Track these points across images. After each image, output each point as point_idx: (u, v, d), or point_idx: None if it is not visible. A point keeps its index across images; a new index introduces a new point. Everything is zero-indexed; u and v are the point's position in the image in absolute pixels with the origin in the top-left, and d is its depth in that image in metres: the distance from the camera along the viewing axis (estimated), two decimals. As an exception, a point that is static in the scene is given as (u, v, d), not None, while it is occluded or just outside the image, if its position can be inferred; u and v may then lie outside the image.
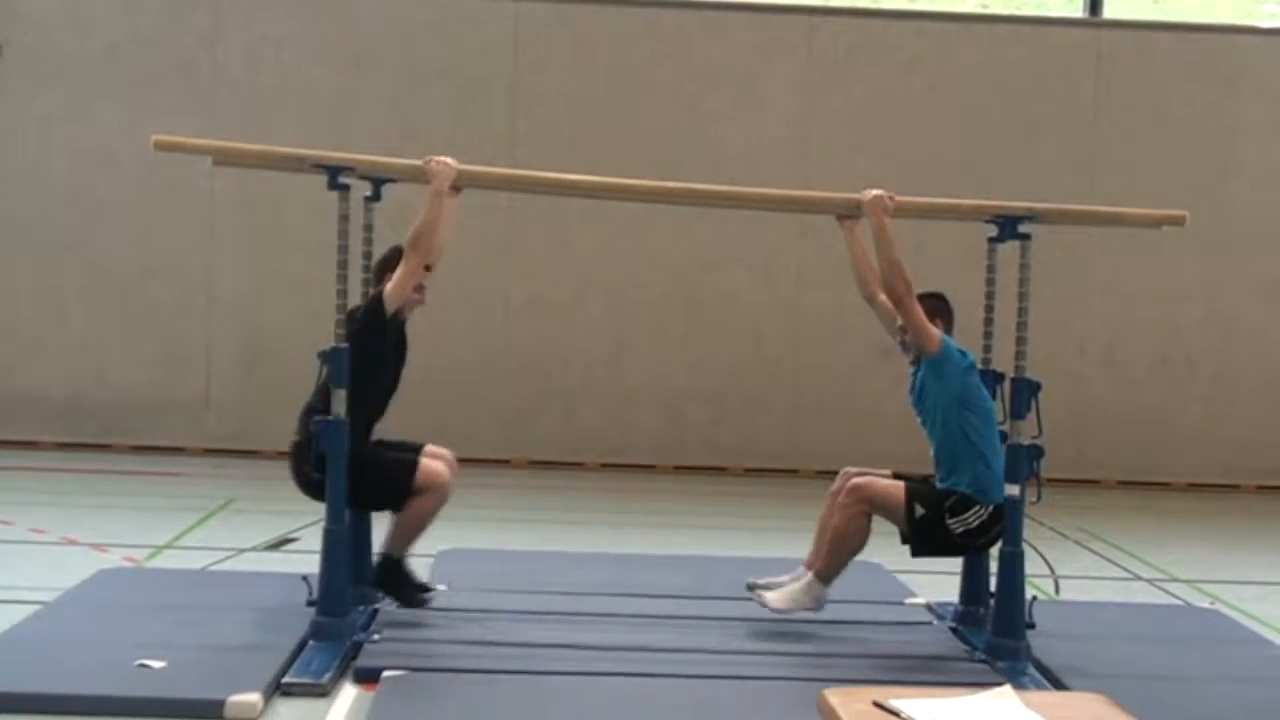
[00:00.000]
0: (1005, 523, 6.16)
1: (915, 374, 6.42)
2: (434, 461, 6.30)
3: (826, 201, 6.82)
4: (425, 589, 6.41)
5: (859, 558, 8.13)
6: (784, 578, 6.45)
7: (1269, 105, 12.15)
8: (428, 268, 6.26)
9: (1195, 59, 12.13)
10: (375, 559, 6.38)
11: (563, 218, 11.53)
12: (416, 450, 6.36)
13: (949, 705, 3.72)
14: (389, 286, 6.17)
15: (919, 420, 6.45)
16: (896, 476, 6.43)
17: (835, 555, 6.31)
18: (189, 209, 11.74)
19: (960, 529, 6.19)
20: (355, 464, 6.04)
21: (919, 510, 6.20)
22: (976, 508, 6.18)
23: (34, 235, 11.76)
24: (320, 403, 6.10)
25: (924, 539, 6.28)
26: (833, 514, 6.35)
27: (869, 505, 6.25)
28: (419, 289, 6.27)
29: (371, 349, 6.13)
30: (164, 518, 8.94)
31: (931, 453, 6.38)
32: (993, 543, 6.30)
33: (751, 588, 6.45)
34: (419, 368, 11.43)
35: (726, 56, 12.03)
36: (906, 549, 6.45)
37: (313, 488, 6.17)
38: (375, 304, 6.19)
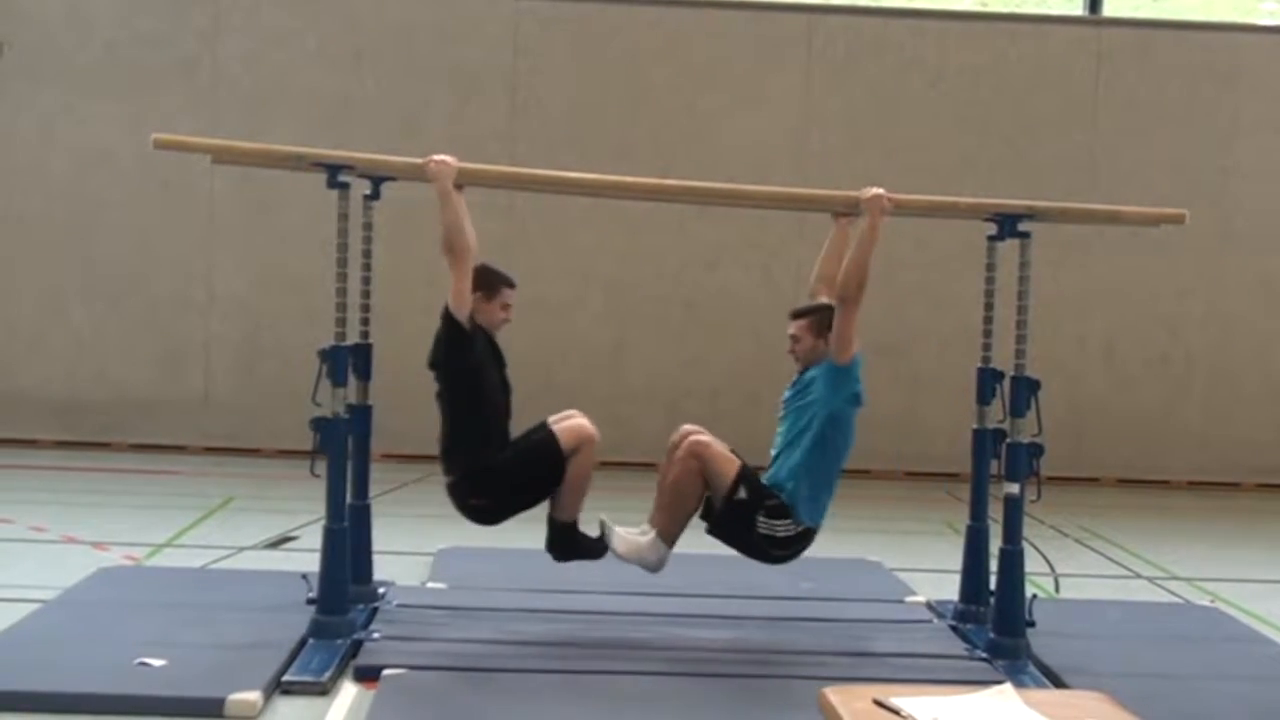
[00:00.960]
0: (805, 546, 6.09)
1: (802, 373, 6.28)
2: (568, 421, 6.20)
3: (826, 199, 6.82)
4: (600, 541, 6.26)
5: (858, 556, 8.16)
6: (635, 530, 6.27)
7: (1268, 104, 12.15)
8: (509, 285, 6.24)
9: (1195, 57, 12.13)
10: (548, 529, 6.25)
11: (562, 216, 11.53)
12: (541, 429, 6.23)
13: (949, 703, 3.73)
14: (449, 300, 6.04)
15: (779, 415, 6.29)
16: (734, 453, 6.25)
17: (674, 514, 6.14)
18: (189, 207, 11.74)
19: (765, 531, 6.05)
20: (508, 469, 6.02)
21: (741, 493, 6.04)
22: (789, 521, 6.05)
23: (34, 234, 11.76)
24: (453, 439, 6.06)
25: (728, 522, 6.09)
26: (669, 467, 6.17)
27: (702, 462, 6.07)
28: (506, 307, 6.25)
29: (464, 364, 6.04)
30: (163, 516, 8.93)
31: (773, 450, 6.25)
32: (786, 559, 6.18)
33: (605, 526, 6.27)
34: (419, 367, 11.51)
35: (726, 55, 12.03)
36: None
37: (481, 514, 6.13)
38: (445, 320, 6.06)
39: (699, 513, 6.21)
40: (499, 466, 6.03)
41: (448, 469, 6.10)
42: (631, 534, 6.24)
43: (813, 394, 6.13)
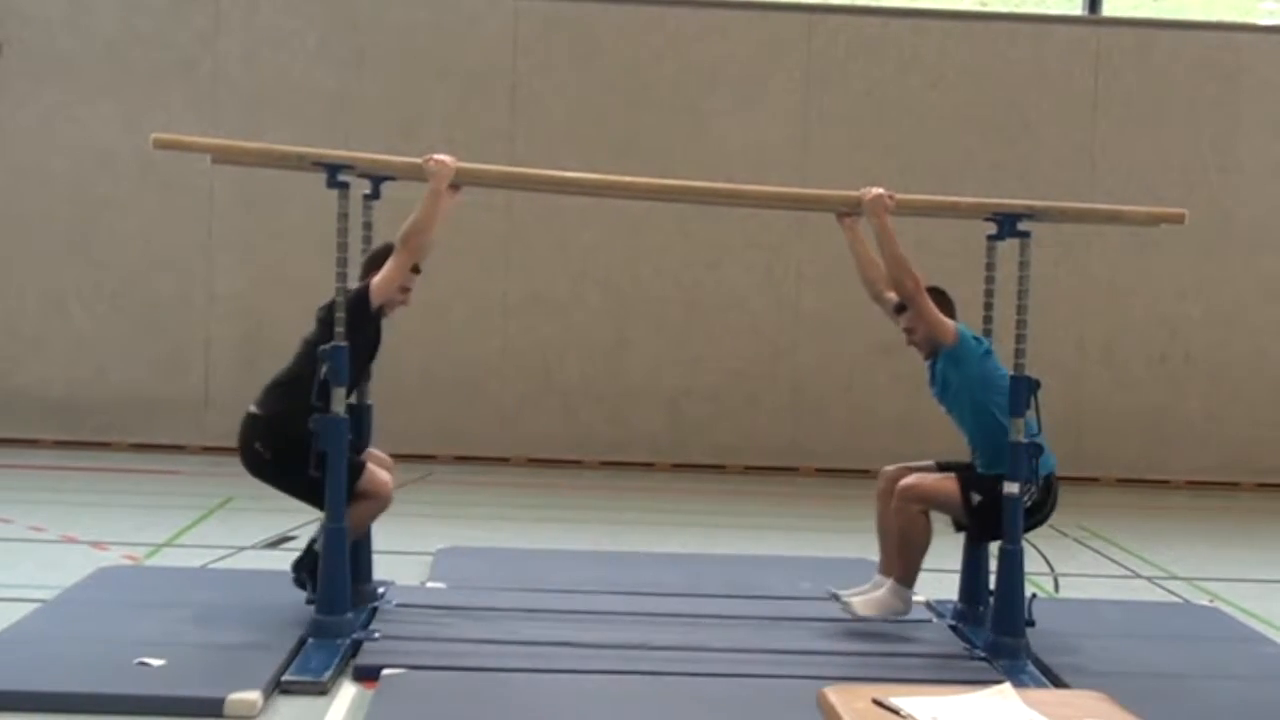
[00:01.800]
0: (1054, 493, 6.24)
1: (932, 367, 6.41)
2: (382, 471, 6.25)
3: (826, 199, 6.83)
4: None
5: (857, 556, 8.17)
6: (865, 586, 6.43)
7: (1268, 103, 12.15)
8: (415, 270, 6.25)
9: (1194, 57, 12.13)
10: (304, 551, 6.31)
11: (562, 216, 11.54)
12: (358, 453, 6.25)
13: (949, 703, 3.72)
14: (376, 280, 6.14)
15: (945, 411, 6.44)
16: (939, 467, 6.42)
17: (908, 557, 6.31)
18: (188, 207, 11.75)
19: (1027, 503, 6.16)
20: (296, 446, 5.96)
21: (975, 498, 6.20)
22: (1028, 485, 6.15)
23: (33, 233, 11.76)
24: (291, 386, 6.09)
25: (984, 524, 6.25)
26: (889, 520, 6.32)
27: (923, 503, 6.24)
28: (404, 290, 6.26)
29: (353, 339, 6.03)
30: (163, 516, 8.93)
31: (967, 442, 6.40)
32: (1048, 516, 6.33)
33: (834, 596, 6.42)
34: (418, 366, 11.58)
35: (726, 54, 12.03)
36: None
37: (252, 459, 6.14)
38: (361, 297, 6.11)
39: (955, 530, 6.44)
40: (304, 443, 5.95)
41: (265, 404, 6.15)
42: (866, 593, 6.38)
43: (952, 386, 6.30)
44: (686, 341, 12.01)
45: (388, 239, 6.31)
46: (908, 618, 6.77)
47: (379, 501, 6.24)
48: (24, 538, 8.11)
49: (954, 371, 6.28)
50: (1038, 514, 6.29)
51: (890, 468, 6.49)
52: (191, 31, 11.81)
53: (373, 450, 6.40)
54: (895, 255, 6.16)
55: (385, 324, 6.46)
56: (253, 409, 6.20)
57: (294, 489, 6.22)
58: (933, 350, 6.35)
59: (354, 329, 6.06)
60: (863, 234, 6.45)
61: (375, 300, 6.15)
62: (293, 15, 11.85)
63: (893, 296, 6.39)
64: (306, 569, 6.26)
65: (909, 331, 6.34)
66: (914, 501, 6.23)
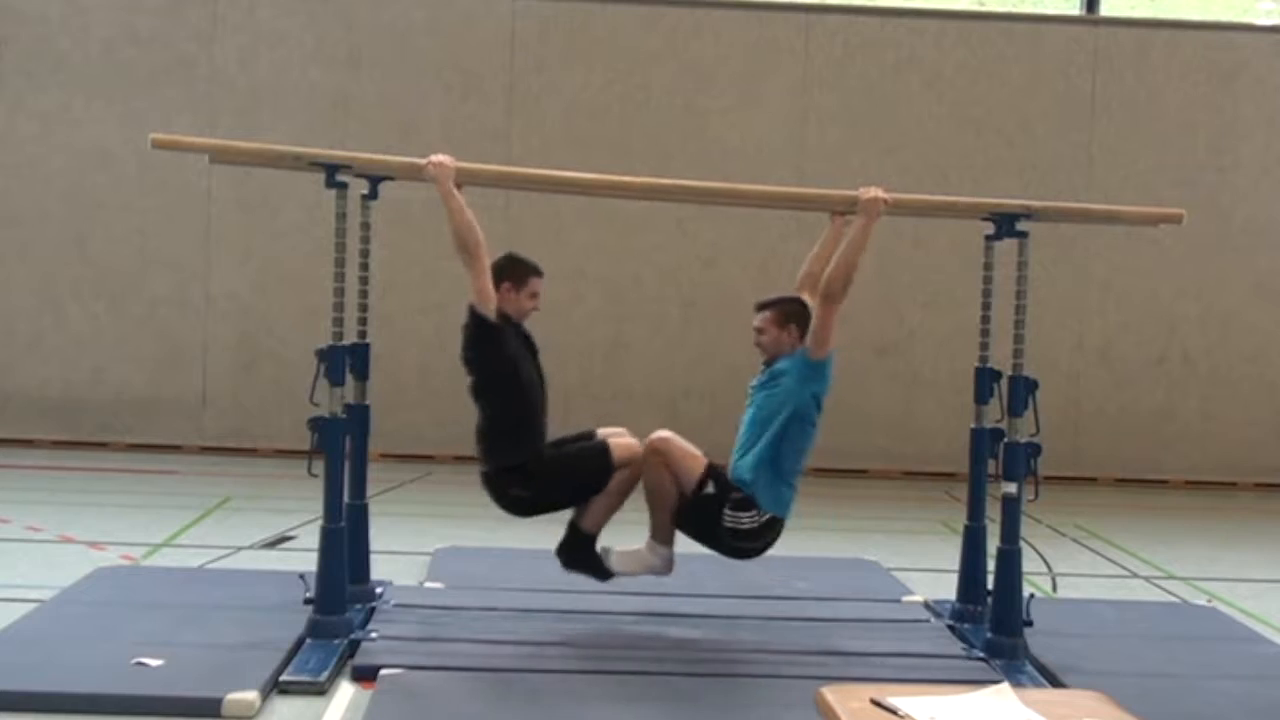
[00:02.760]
0: (772, 538, 6.12)
1: (771, 364, 6.29)
2: (624, 438, 6.20)
3: (823, 198, 6.82)
4: (607, 568, 6.24)
5: (855, 555, 8.17)
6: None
7: (1266, 103, 12.16)
8: (538, 274, 6.22)
9: (1192, 57, 12.14)
10: (567, 533, 6.26)
11: (559, 215, 11.53)
12: (592, 436, 6.27)
13: (947, 703, 3.72)
14: (471, 296, 6.07)
15: (747, 403, 6.30)
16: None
17: (658, 512, 6.18)
18: (186, 207, 11.74)
19: (730, 524, 6.07)
20: (556, 466, 6.05)
21: (709, 487, 6.08)
22: (754, 511, 6.07)
23: (31, 233, 11.76)
24: (494, 431, 6.10)
25: (694, 517, 6.12)
26: (644, 471, 6.18)
27: (667, 458, 6.10)
28: (534, 296, 6.25)
29: (495, 356, 6.07)
30: (161, 516, 8.93)
31: (737, 443, 6.26)
32: (754, 553, 6.21)
33: (605, 551, 6.28)
34: (417, 366, 11.58)
35: (723, 54, 12.03)
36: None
37: (519, 505, 6.17)
38: (471, 316, 6.09)
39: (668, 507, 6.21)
40: (547, 462, 6.06)
41: (487, 459, 6.12)
42: (628, 548, 6.27)
43: (781, 385, 6.15)
44: (684, 341, 12.01)
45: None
46: (906, 618, 6.78)
47: (638, 464, 6.13)
48: (22, 538, 8.10)
49: (792, 381, 6.11)
50: (745, 541, 6.14)
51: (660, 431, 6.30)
52: (189, 32, 11.80)
53: (604, 429, 6.30)
54: (854, 260, 6.03)
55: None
56: (486, 469, 6.17)
57: (558, 504, 6.21)
58: (777, 356, 6.20)
59: (483, 348, 6.07)
60: (843, 235, 6.37)
61: (488, 310, 6.05)
62: (290, 15, 11.85)
63: (808, 294, 6.28)
64: (574, 554, 6.24)
65: (760, 331, 6.24)
66: (659, 453, 6.09)
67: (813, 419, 6.17)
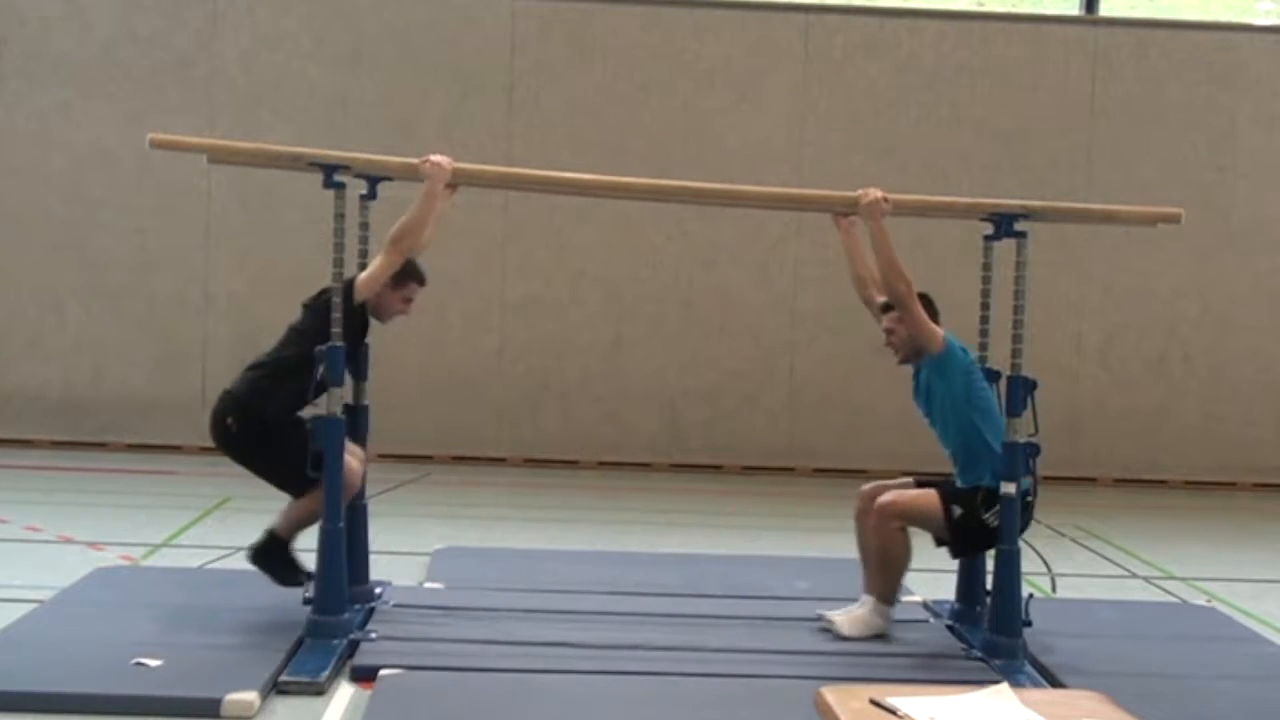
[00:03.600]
0: (1031, 508, 6.21)
1: (917, 375, 6.39)
2: (349, 459, 6.17)
3: (823, 199, 6.82)
4: (305, 574, 6.22)
5: (853, 556, 8.17)
6: (851, 606, 6.41)
7: (1265, 102, 12.15)
8: (420, 282, 6.28)
9: (1191, 57, 12.13)
10: (261, 537, 6.31)
11: (559, 216, 11.54)
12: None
13: (946, 703, 3.72)
14: (362, 276, 6.16)
15: (927, 421, 6.42)
16: (917, 483, 6.41)
17: (888, 574, 6.28)
18: (185, 207, 11.74)
19: (996, 521, 6.15)
20: (271, 432, 6.05)
21: (957, 511, 6.17)
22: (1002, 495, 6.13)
23: (30, 233, 11.75)
24: (272, 368, 6.17)
25: (965, 537, 6.24)
26: (869, 537, 6.29)
27: (903, 520, 6.21)
28: (406, 301, 6.32)
29: (331, 330, 6.02)
30: (160, 516, 8.93)
31: (946, 452, 6.36)
32: (1025, 528, 6.29)
33: (820, 616, 6.40)
34: (416, 366, 11.58)
35: (723, 54, 12.02)
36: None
37: (225, 438, 6.24)
38: (345, 290, 6.09)
39: (936, 544, 6.38)
40: (281, 423, 6.06)
41: (243, 382, 6.22)
42: (851, 612, 6.35)
43: (938, 394, 6.27)
44: (684, 342, 12.01)
45: (385, 239, 6.31)
46: (905, 618, 6.78)
47: (347, 491, 6.14)
48: (21, 538, 8.10)
49: (939, 381, 6.25)
50: (1022, 516, 6.23)
51: (867, 486, 6.46)
52: (189, 31, 11.80)
53: (348, 442, 6.22)
54: (889, 259, 6.14)
55: (386, 324, 6.46)
56: (228, 386, 6.29)
57: (257, 467, 6.27)
58: (911, 355, 6.29)
59: (330, 318, 6.05)
60: (858, 235, 6.44)
61: (359, 295, 6.13)
62: (289, 15, 11.85)
63: (880, 298, 6.37)
64: (266, 557, 6.26)
65: (889, 333, 6.31)
66: (893, 519, 6.20)
67: (980, 385, 6.27)
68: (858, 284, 6.52)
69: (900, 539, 6.24)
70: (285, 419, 6.10)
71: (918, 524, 6.25)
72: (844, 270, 6.64)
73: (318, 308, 6.15)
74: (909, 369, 6.48)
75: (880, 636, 6.31)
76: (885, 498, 6.25)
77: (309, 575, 6.18)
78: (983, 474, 6.20)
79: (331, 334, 6.00)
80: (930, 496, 6.24)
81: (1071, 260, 11.87)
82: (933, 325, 6.21)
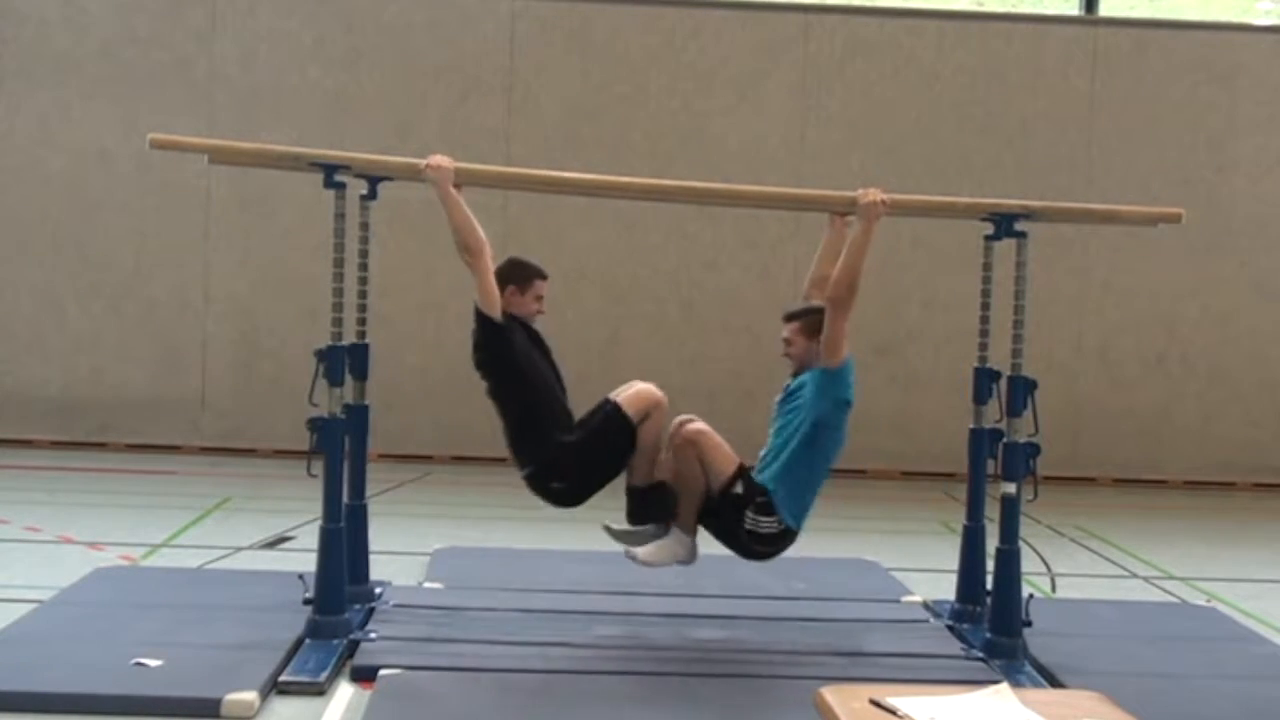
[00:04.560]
0: (785, 545, 6.11)
1: (796, 375, 6.28)
2: (631, 390, 6.18)
3: (823, 199, 6.82)
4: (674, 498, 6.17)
5: (855, 555, 8.17)
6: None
7: (1265, 102, 12.16)
8: (543, 278, 6.22)
9: (1191, 57, 12.14)
10: (629, 494, 6.20)
11: (558, 216, 11.53)
12: (605, 404, 6.24)
13: (946, 703, 3.72)
14: (478, 299, 6.06)
15: (771, 417, 6.29)
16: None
17: (683, 502, 6.13)
18: (185, 207, 11.74)
19: (750, 527, 6.05)
20: (582, 449, 6.04)
21: (738, 487, 6.05)
22: (775, 519, 6.04)
23: (30, 233, 11.76)
24: (519, 431, 6.09)
25: (719, 514, 6.10)
26: (671, 459, 6.15)
27: (699, 451, 6.06)
28: (539, 299, 6.24)
29: (505, 356, 6.05)
30: (160, 516, 8.93)
31: (763, 450, 6.23)
32: (768, 556, 6.19)
33: (628, 551, 6.27)
34: (415, 366, 11.57)
35: (722, 55, 12.03)
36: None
37: (563, 497, 6.18)
38: (479, 319, 6.07)
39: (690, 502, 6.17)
40: (572, 448, 6.05)
41: (520, 461, 6.11)
42: (650, 543, 6.24)
43: (801, 398, 6.14)
44: (683, 342, 12.01)
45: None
46: (905, 618, 6.78)
47: (657, 407, 6.12)
48: (20, 538, 8.10)
49: (813, 391, 6.09)
50: (760, 545, 6.13)
51: (684, 416, 6.24)
52: (188, 31, 11.80)
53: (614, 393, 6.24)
54: (857, 262, 6.01)
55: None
56: (523, 474, 6.15)
57: (602, 479, 6.18)
58: (806, 366, 6.18)
59: (492, 350, 6.05)
60: (846, 236, 6.36)
61: (495, 313, 6.03)
62: (289, 15, 11.85)
63: (813, 302, 6.27)
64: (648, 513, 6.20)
65: (788, 343, 6.21)
66: (693, 445, 6.06)
67: (838, 426, 6.14)
68: (815, 281, 6.39)
69: (695, 468, 6.06)
70: (569, 439, 6.07)
71: (706, 465, 6.05)
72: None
73: (480, 355, 6.09)
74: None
75: (683, 564, 6.19)
76: (695, 425, 6.11)
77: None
78: (773, 486, 6.06)
79: (488, 359, 6.03)
80: (731, 458, 6.08)
81: (1071, 260, 11.88)
82: (845, 341, 6.08)
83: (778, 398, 6.31)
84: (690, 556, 6.21)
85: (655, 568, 6.24)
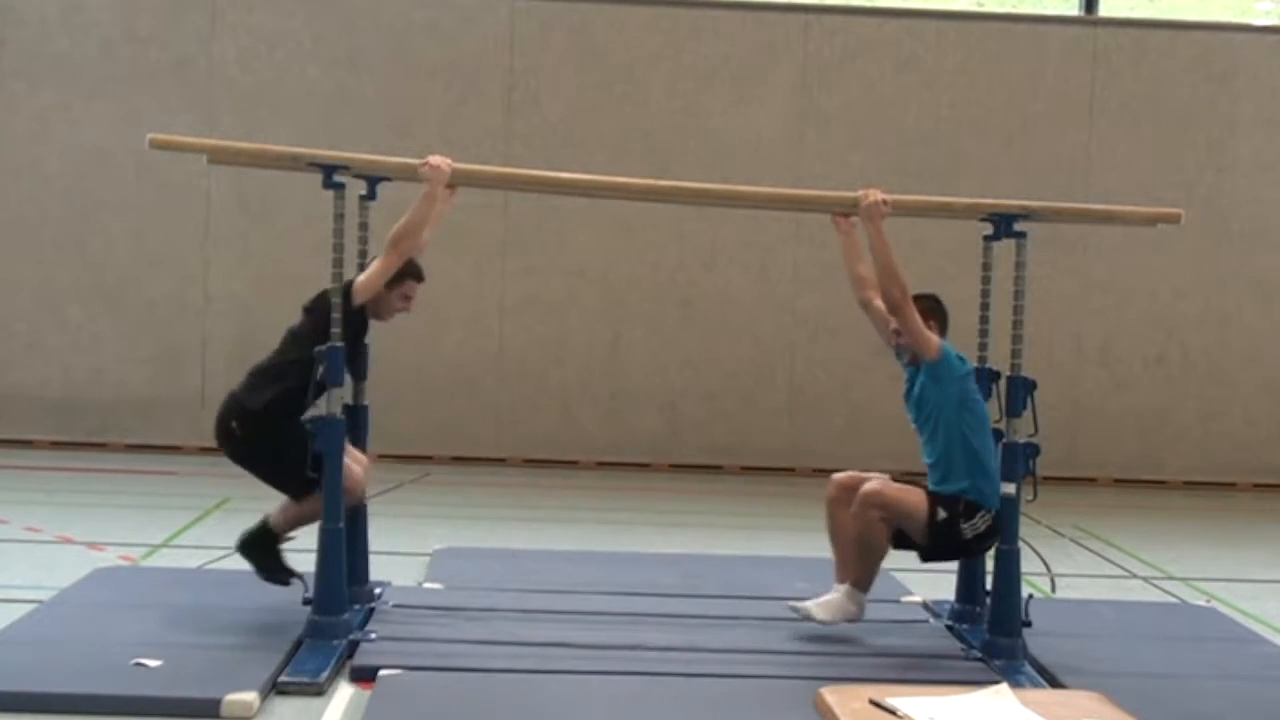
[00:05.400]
0: (1001, 528, 6.19)
1: (911, 378, 6.36)
2: (353, 465, 6.20)
3: (822, 200, 6.82)
4: (291, 573, 6.26)
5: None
6: (824, 595, 6.40)
7: (1264, 103, 12.16)
8: (418, 278, 6.28)
9: (1190, 57, 12.14)
10: (255, 525, 6.32)
11: (558, 216, 11.53)
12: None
13: (946, 703, 3.73)
14: (360, 278, 6.15)
15: (913, 425, 6.39)
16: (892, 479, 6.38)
17: (865, 562, 6.26)
18: (184, 207, 11.74)
19: (971, 533, 6.15)
20: (276, 435, 6.05)
21: (941, 514, 6.15)
22: (983, 512, 6.14)
23: (29, 233, 11.75)
24: (276, 372, 6.16)
25: (940, 542, 6.22)
26: (845, 524, 6.26)
27: (884, 510, 6.16)
28: (406, 299, 6.31)
29: (330, 332, 6.03)
30: (159, 516, 8.93)
31: (927, 459, 6.30)
32: (990, 547, 6.30)
33: (793, 608, 6.37)
34: (415, 367, 11.58)
35: (722, 54, 12.03)
36: (898, 550, 6.40)
37: (228, 440, 6.24)
38: (344, 292, 6.09)
39: (906, 545, 6.34)
40: (284, 428, 6.04)
41: (247, 387, 6.21)
42: (824, 599, 6.34)
43: (930, 400, 6.22)
44: (683, 342, 12.01)
45: (384, 240, 6.30)
46: (905, 618, 6.78)
47: (348, 496, 6.14)
48: (20, 538, 8.10)
49: (933, 386, 6.20)
50: (987, 540, 6.22)
51: (840, 474, 6.42)
52: (188, 31, 11.80)
53: (351, 448, 6.25)
54: (887, 263, 6.10)
55: (385, 324, 6.47)
56: (233, 390, 6.30)
57: (258, 469, 6.27)
58: (914, 359, 6.29)
59: (329, 319, 6.05)
60: (857, 236, 6.41)
61: (357, 298, 6.13)
62: (288, 15, 11.84)
63: (878, 300, 6.33)
64: (253, 547, 6.28)
65: (897, 334, 6.28)
66: (876, 507, 6.15)
67: (973, 397, 6.24)
68: (856, 285, 6.49)
69: (880, 529, 6.17)
70: (286, 422, 6.08)
71: (898, 518, 6.18)
72: (843, 271, 6.63)
73: (317, 311, 6.16)
74: (898, 366, 6.47)
75: (853, 622, 6.29)
76: (871, 485, 6.19)
77: (294, 575, 6.21)
78: (964, 485, 6.15)
79: (331, 335, 6.00)
80: (918, 494, 6.20)
81: (1071, 260, 11.88)
82: (926, 331, 6.15)
83: (906, 409, 6.39)
84: (861, 613, 6.32)
85: (827, 625, 6.30)
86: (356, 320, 6.22)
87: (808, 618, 6.31)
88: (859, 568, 6.29)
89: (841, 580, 6.35)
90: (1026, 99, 12.08)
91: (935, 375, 6.19)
